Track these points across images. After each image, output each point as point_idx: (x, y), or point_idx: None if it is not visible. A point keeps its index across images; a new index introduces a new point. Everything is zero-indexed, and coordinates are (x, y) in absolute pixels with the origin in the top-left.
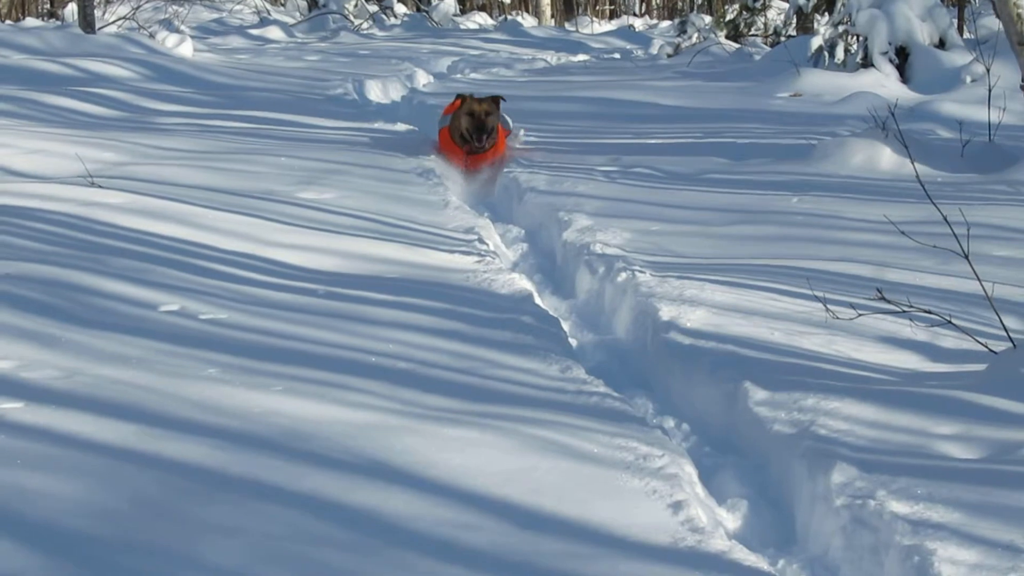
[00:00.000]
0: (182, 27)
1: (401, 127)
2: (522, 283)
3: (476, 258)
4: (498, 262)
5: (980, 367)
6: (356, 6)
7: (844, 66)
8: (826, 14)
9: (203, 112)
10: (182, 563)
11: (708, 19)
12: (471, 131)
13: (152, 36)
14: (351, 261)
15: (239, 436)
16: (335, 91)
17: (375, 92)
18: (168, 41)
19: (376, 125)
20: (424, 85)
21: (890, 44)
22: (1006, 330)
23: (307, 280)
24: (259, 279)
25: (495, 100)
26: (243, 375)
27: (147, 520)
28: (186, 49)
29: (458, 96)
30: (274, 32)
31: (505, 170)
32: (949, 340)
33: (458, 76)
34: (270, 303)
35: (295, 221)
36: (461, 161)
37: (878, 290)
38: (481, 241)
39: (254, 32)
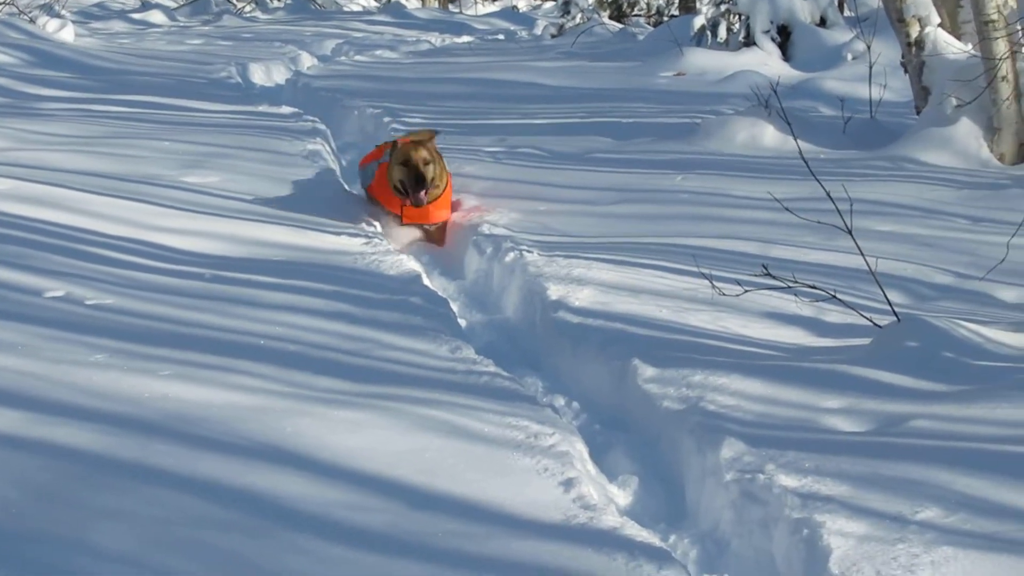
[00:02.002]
0: (63, 12)
1: (286, 110)
2: (410, 264)
3: (364, 240)
4: (386, 244)
5: (865, 341)
6: None
7: (727, 45)
8: None
9: (85, 97)
10: (73, 549)
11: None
12: (410, 184)
13: (33, 21)
14: (237, 245)
15: (128, 421)
16: (219, 74)
17: (259, 75)
18: (49, 26)
19: (261, 108)
20: (308, 68)
21: (772, 23)
22: (890, 304)
23: (193, 264)
24: (145, 264)
25: (433, 139)
26: (131, 360)
27: (37, 507)
28: (67, 34)
29: (387, 143)
30: (156, 16)
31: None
32: (834, 315)
33: (343, 58)
34: (156, 287)
35: (180, 205)
36: (398, 210)
37: (763, 266)
38: (368, 223)
39: (136, 16)
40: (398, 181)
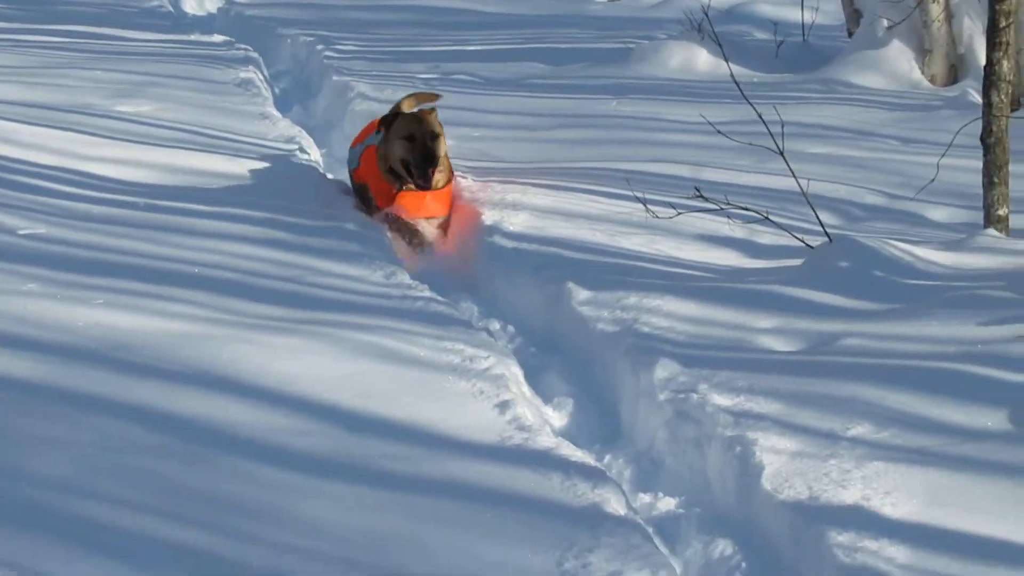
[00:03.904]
0: None
1: (218, 38)
2: (345, 193)
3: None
4: (320, 171)
5: (797, 262)
6: None
7: None
8: None
9: (11, 27)
10: (11, 477)
11: None
12: (416, 163)
13: None
14: (171, 174)
15: (63, 349)
16: (149, 3)
17: (190, 4)
18: None
19: (192, 37)
20: None
21: None
22: (822, 225)
23: (126, 193)
24: (77, 193)
25: (434, 113)
26: (64, 289)
27: None
28: None
29: (383, 118)
30: None
31: (333, 76)
32: (767, 236)
33: None
34: (89, 217)
35: (112, 134)
36: (388, 201)
37: (696, 189)
38: (302, 151)
39: None
40: (400, 160)
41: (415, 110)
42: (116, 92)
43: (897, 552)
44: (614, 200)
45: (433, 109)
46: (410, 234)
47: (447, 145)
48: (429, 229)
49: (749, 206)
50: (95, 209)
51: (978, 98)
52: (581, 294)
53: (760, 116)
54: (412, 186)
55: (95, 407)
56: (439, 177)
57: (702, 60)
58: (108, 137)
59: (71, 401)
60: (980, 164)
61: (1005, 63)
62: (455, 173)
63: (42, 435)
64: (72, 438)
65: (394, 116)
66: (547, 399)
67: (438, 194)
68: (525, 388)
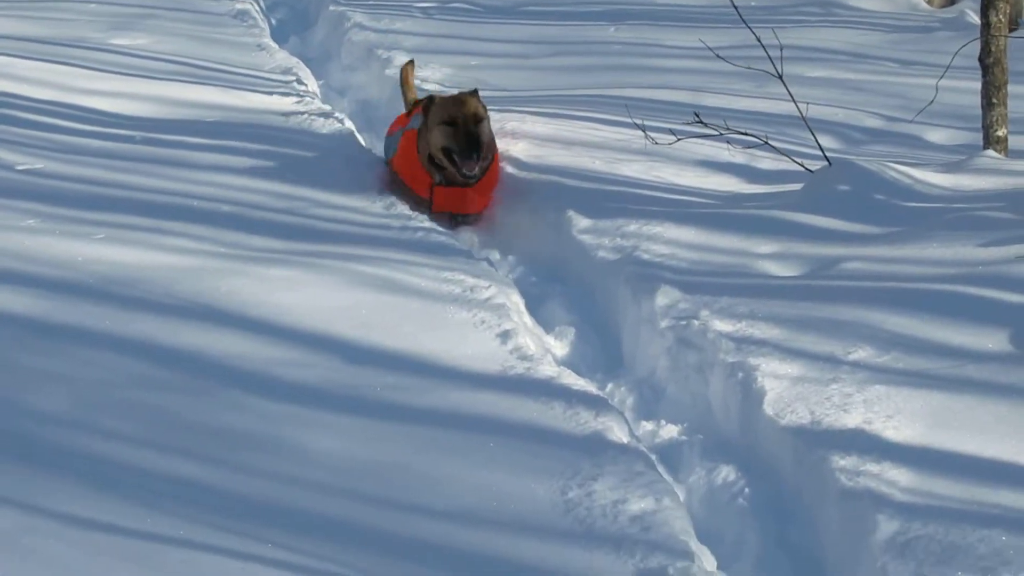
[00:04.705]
0: None
1: None
2: (343, 123)
3: (295, 99)
4: (317, 102)
5: (797, 186)
6: None
7: None
8: None
9: None
10: (12, 412)
11: None
12: (459, 150)
13: None
14: (168, 107)
15: (61, 285)
16: None
17: None
18: None
19: None
20: None
21: None
22: (821, 149)
23: (124, 127)
24: (75, 127)
25: (479, 97)
26: (63, 224)
27: None
28: None
29: (419, 102)
30: None
31: (329, 7)
32: (766, 161)
33: None
34: (87, 151)
35: (108, 68)
36: (423, 191)
37: (695, 114)
38: (299, 82)
39: None
40: (440, 148)
41: (455, 92)
42: (111, 25)
43: (899, 475)
44: (613, 127)
45: (475, 90)
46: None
47: (492, 127)
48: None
49: (748, 131)
50: (92, 143)
51: (976, 19)
52: (581, 222)
53: (759, 39)
54: (451, 179)
55: (94, 342)
56: (481, 166)
57: None
58: (104, 70)
59: (70, 336)
60: (979, 85)
61: None
62: (498, 153)
63: (41, 370)
64: (71, 373)
65: (431, 100)
66: (548, 328)
67: (480, 185)
68: (526, 317)
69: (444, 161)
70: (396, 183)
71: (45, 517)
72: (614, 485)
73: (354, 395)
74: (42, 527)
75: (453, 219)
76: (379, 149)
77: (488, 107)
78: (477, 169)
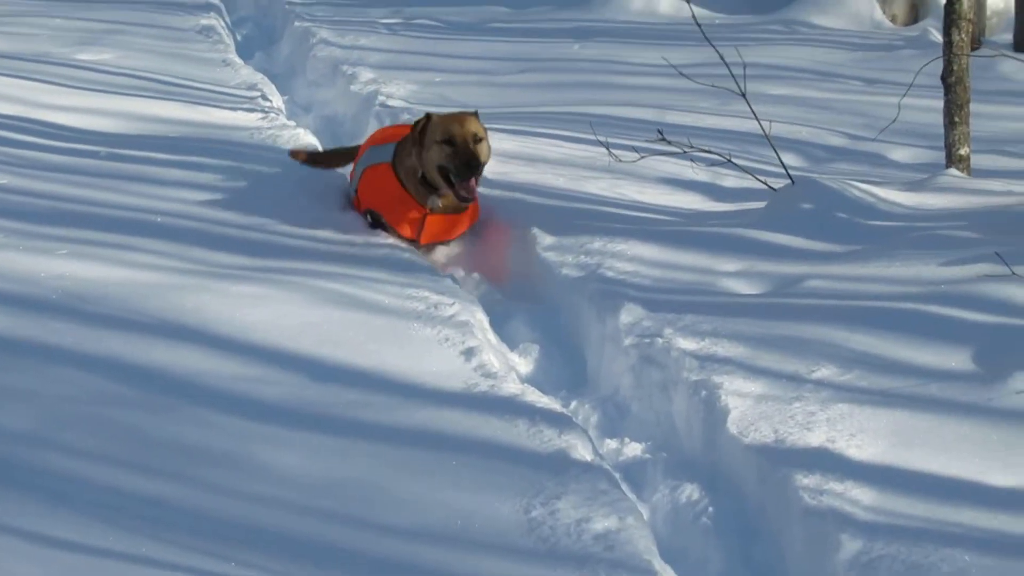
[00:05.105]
0: None
1: None
2: (307, 139)
3: (260, 115)
4: (282, 118)
5: (760, 204)
6: None
7: None
8: None
9: None
10: None
11: None
12: (457, 170)
13: None
14: (133, 122)
15: (25, 301)
16: None
17: None
18: None
19: None
20: None
21: None
22: (784, 167)
23: (88, 142)
24: (39, 143)
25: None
26: (27, 239)
27: None
28: None
29: (393, 127)
30: None
31: (295, 23)
32: (730, 179)
33: None
34: (51, 167)
35: (73, 83)
36: (413, 227)
37: (659, 132)
38: (264, 98)
39: None
40: (436, 168)
41: (454, 111)
42: (77, 40)
43: (863, 494)
44: (577, 144)
45: (475, 111)
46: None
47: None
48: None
49: (712, 149)
50: (57, 159)
51: (939, 37)
52: (546, 239)
53: (722, 57)
54: (444, 202)
55: (59, 358)
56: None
57: (664, 2)
58: (69, 86)
59: (33, 352)
60: (941, 104)
61: (965, 1)
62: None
63: (6, 387)
64: (37, 390)
65: (427, 119)
66: (513, 345)
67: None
68: (491, 335)
69: (439, 181)
70: (358, 203)
71: (9, 535)
72: (578, 503)
73: (319, 412)
74: (5, 545)
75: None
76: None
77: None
78: (475, 192)
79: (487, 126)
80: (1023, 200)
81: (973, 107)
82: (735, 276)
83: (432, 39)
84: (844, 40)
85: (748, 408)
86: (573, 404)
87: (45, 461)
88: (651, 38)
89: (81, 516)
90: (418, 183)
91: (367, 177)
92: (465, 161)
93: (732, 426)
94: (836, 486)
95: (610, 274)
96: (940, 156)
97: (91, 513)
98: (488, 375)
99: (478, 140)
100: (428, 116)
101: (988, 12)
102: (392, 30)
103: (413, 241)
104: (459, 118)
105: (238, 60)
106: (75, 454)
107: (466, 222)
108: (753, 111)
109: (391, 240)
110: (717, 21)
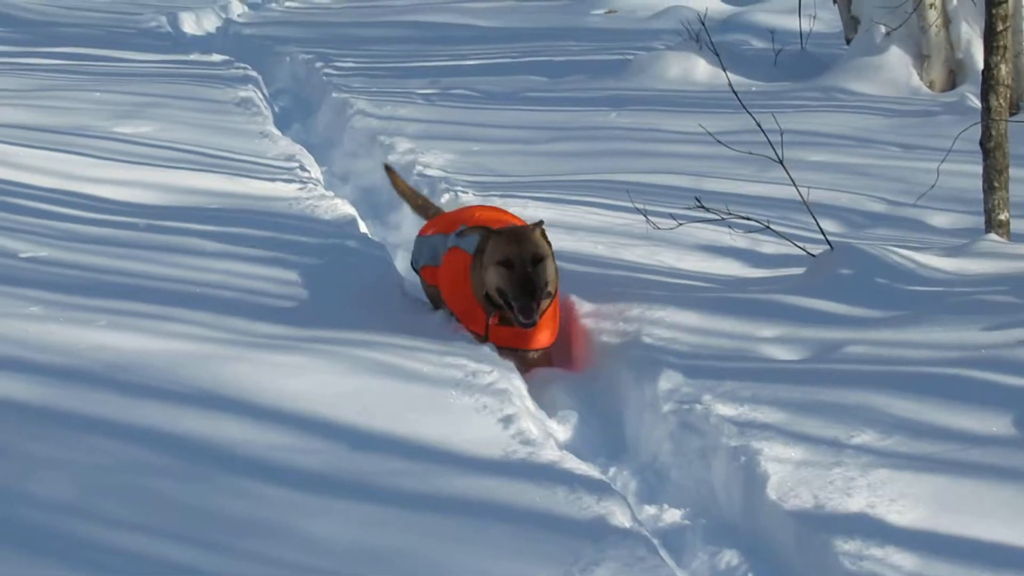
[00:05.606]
0: None
1: (217, 57)
2: (345, 209)
3: (298, 185)
4: (320, 189)
5: (799, 270)
6: None
7: None
8: None
9: (12, 51)
10: (14, 500)
11: None
12: (515, 296)
13: None
14: (172, 194)
15: (64, 372)
16: (148, 24)
17: (189, 24)
18: None
19: (192, 57)
20: (239, 15)
21: None
22: (823, 233)
23: (127, 214)
24: (78, 215)
25: (543, 232)
26: (66, 311)
27: None
28: None
29: (455, 216)
30: None
31: (332, 94)
32: (768, 246)
33: (273, 5)
34: (91, 239)
35: (113, 156)
36: (473, 325)
37: (697, 199)
38: (303, 168)
39: None
40: (496, 290)
41: (514, 226)
42: (116, 113)
43: (903, 559)
44: (615, 212)
45: (540, 223)
46: (518, 360)
47: (554, 263)
48: (528, 359)
49: (750, 215)
50: (96, 231)
51: (977, 103)
52: (584, 307)
53: (759, 125)
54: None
55: (96, 428)
56: (542, 306)
57: (700, 70)
58: (108, 159)
59: (72, 423)
60: (980, 169)
61: (1003, 67)
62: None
63: (43, 457)
64: (73, 459)
65: (488, 233)
66: (551, 413)
67: (542, 321)
68: (529, 402)
69: (501, 303)
70: (427, 291)
71: None
72: (617, 570)
73: (357, 481)
74: None
75: (514, 353)
76: (381, 234)
77: (490, 193)
78: (536, 316)
79: (527, 195)
80: None
81: (1012, 172)
82: (774, 342)
83: (469, 109)
84: (882, 106)
85: (788, 474)
86: (612, 471)
87: (82, 531)
88: (688, 106)
89: None
90: (483, 297)
91: (453, 258)
92: (521, 286)
93: (772, 492)
94: (877, 551)
95: (649, 340)
96: (979, 221)
97: None
98: (526, 442)
99: (538, 260)
100: (488, 231)
101: None
102: (429, 100)
103: (480, 337)
104: (518, 236)
105: (276, 131)
106: (113, 524)
107: (543, 331)
108: (791, 177)
109: (428, 308)
110: (754, 89)
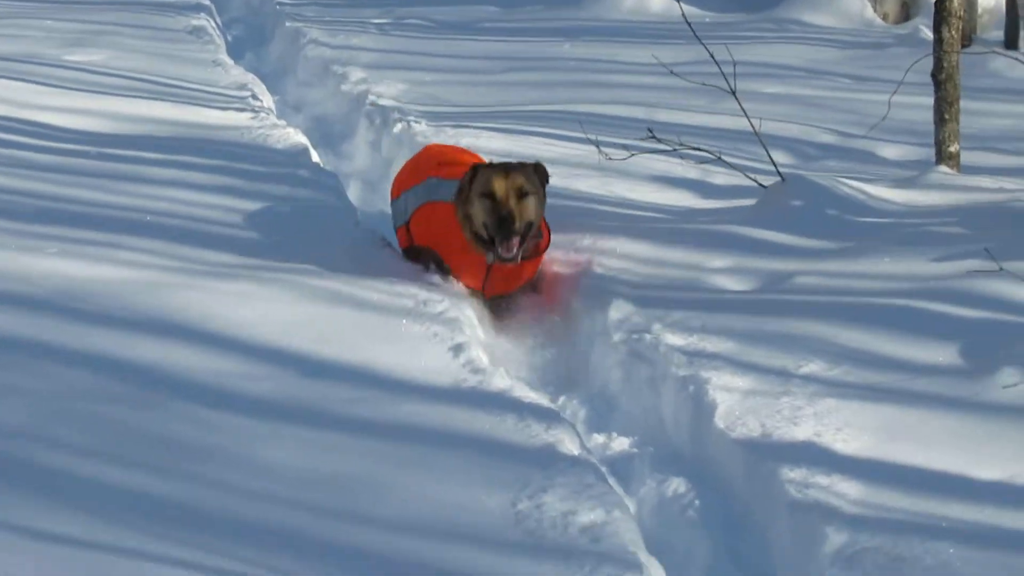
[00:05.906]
0: None
1: None
2: (298, 138)
3: (251, 114)
4: (272, 118)
5: (750, 202)
6: None
7: None
8: None
9: None
10: None
11: None
12: (496, 228)
13: None
14: (123, 122)
15: (16, 299)
16: None
17: None
18: None
19: None
20: None
21: None
22: (774, 164)
23: (78, 142)
24: (28, 143)
25: (537, 170)
26: (17, 239)
27: None
28: None
29: (474, 167)
30: None
31: (285, 23)
32: (720, 177)
33: None
34: (41, 166)
35: (64, 84)
36: (477, 278)
37: (649, 130)
38: (255, 97)
39: None
40: (481, 225)
41: (506, 161)
42: (67, 41)
43: (849, 487)
44: (568, 143)
45: (536, 163)
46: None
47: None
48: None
49: (702, 146)
50: (46, 158)
51: (929, 35)
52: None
53: (712, 56)
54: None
55: (48, 355)
56: (527, 246)
57: (655, 1)
58: (59, 86)
59: (24, 349)
60: (931, 101)
61: None
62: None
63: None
64: (28, 386)
65: (475, 168)
66: (502, 341)
67: (532, 262)
68: (479, 331)
69: (486, 238)
70: (410, 255)
71: (2, 530)
72: (564, 497)
73: (308, 408)
74: None
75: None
76: (333, 164)
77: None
78: (517, 251)
79: (480, 125)
80: (1012, 196)
81: (963, 104)
82: (724, 273)
83: (422, 39)
84: (835, 38)
85: (736, 403)
86: (561, 399)
87: (38, 456)
88: (641, 37)
89: (73, 510)
90: (471, 236)
91: (424, 214)
92: (499, 219)
93: (719, 421)
94: (822, 480)
95: (599, 270)
96: (930, 153)
97: (83, 507)
98: (476, 371)
99: (523, 195)
100: (475, 166)
101: (979, 10)
102: (383, 30)
103: (476, 292)
104: (504, 169)
105: (228, 60)
106: (67, 449)
107: (529, 271)
108: (743, 109)
109: (382, 241)
110: (707, 20)
